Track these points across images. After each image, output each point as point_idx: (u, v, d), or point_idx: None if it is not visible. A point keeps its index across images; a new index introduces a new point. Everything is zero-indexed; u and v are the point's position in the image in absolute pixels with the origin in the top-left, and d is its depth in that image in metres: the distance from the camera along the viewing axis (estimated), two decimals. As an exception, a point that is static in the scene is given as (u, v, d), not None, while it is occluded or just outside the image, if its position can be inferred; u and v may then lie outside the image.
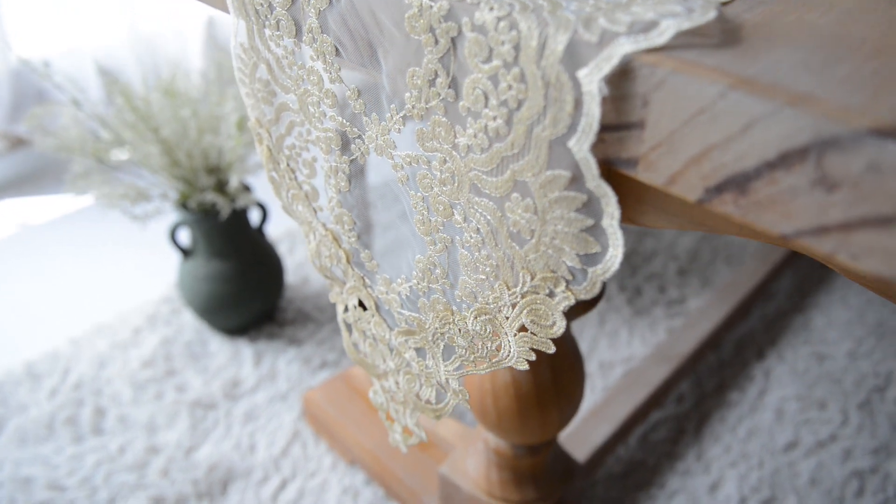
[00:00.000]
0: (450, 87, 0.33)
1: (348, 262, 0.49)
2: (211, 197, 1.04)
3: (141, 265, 1.43)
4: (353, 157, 0.43)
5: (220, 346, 1.20)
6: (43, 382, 1.15)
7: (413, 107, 0.36)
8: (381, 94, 0.38)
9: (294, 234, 1.49)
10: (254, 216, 1.20)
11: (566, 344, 0.64)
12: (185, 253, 1.16)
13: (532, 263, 0.34)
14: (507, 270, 0.35)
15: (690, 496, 1.00)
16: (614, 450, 1.03)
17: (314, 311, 1.27)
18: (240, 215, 1.12)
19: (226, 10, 0.47)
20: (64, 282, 1.40)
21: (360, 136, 0.42)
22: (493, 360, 0.40)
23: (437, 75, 0.33)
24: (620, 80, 0.27)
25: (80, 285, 1.39)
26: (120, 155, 1.03)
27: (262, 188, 1.48)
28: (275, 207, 1.46)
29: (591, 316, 1.30)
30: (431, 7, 0.32)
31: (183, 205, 1.09)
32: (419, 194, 0.39)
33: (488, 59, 0.31)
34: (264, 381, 1.14)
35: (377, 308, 0.49)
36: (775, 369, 1.21)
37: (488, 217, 0.35)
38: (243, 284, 1.15)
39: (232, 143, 1.00)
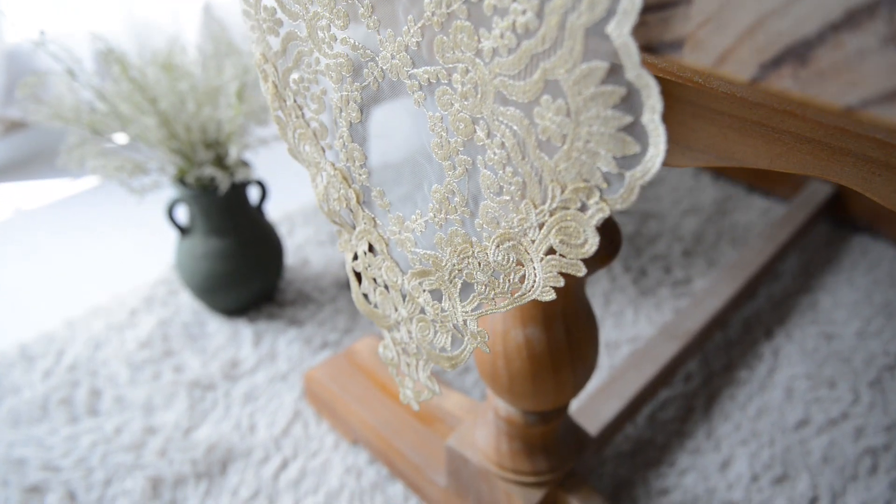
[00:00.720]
0: (475, -16, 0.31)
1: (358, 202, 0.47)
2: (209, 171, 1.02)
3: (137, 247, 1.40)
4: (366, 83, 0.41)
5: (218, 327, 1.18)
6: (37, 364, 1.12)
7: (433, 14, 0.33)
8: (397, 7, 0.36)
9: (293, 216, 1.46)
10: (253, 194, 1.18)
11: (580, 303, 0.62)
12: (183, 231, 1.13)
13: (563, 174, 0.32)
14: (534, 187, 0.33)
15: (701, 474, 0.97)
16: (623, 427, 1.01)
17: (315, 293, 1.25)
18: (238, 192, 1.09)
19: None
20: (59, 265, 1.37)
21: (372, 59, 0.39)
22: (516, 295, 0.38)
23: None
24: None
25: (76, 268, 1.36)
26: (116, 136, 1.01)
27: (261, 165, 1.45)
28: (274, 186, 1.44)
29: (597, 296, 1.27)
30: None
31: (181, 180, 1.06)
32: (437, 114, 0.37)
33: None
34: (264, 362, 1.12)
35: (388, 251, 0.46)
36: (784, 348, 1.19)
37: (515, 127, 0.33)
38: (242, 262, 1.13)
39: (231, 113, 0.98)
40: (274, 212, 1.47)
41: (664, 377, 1.05)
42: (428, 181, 0.42)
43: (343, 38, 0.40)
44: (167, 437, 1.00)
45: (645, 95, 0.28)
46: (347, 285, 1.26)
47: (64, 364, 1.12)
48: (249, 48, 1.09)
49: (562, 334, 0.61)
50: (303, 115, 0.47)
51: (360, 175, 0.45)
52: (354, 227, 0.48)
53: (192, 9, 1.76)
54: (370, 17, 0.38)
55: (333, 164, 0.47)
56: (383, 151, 0.43)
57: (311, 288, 1.26)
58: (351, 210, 0.47)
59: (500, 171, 0.34)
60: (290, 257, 1.33)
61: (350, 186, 0.46)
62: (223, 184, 1.02)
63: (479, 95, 0.34)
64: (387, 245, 0.46)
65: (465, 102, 0.35)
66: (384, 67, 0.39)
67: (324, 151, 0.47)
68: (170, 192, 1.31)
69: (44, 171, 1.64)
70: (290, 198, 1.50)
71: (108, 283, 1.30)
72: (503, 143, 0.34)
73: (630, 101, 0.29)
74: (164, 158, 1.03)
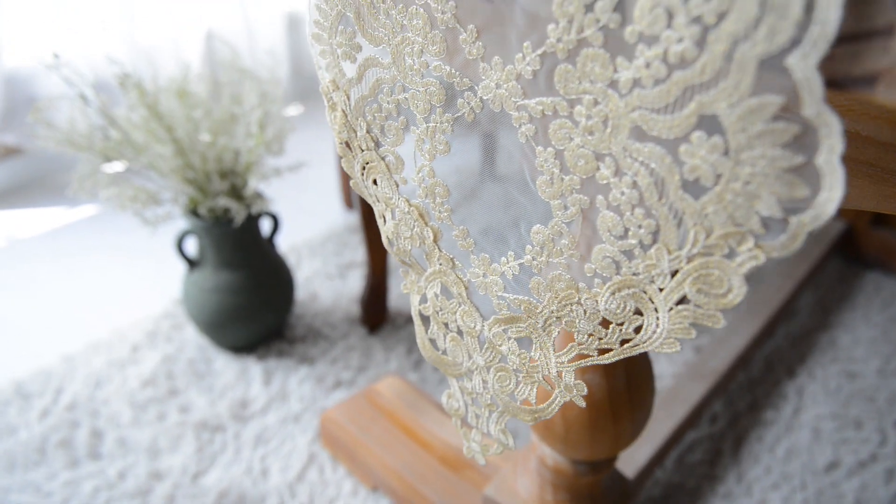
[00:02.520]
0: (615, 11, 0.28)
1: (435, 241, 0.43)
2: (224, 202, 0.98)
3: (138, 278, 1.35)
4: (460, 113, 0.37)
5: (226, 365, 1.13)
6: (33, 402, 1.06)
7: (558, 40, 0.31)
8: (509, 33, 0.33)
9: (299, 248, 1.42)
10: (264, 226, 1.14)
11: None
12: (192, 263, 1.09)
13: (711, 217, 0.29)
14: (670, 230, 0.30)
15: (736, 520, 0.94)
16: (653, 472, 0.97)
17: (325, 328, 1.21)
18: (251, 224, 1.05)
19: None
20: (56, 296, 1.31)
21: (471, 88, 0.36)
22: (627, 346, 0.35)
23: (598, -3, 0.28)
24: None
25: (74, 300, 1.30)
26: (122, 164, 0.97)
27: (274, 196, 1.42)
28: (286, 217, 1.40)
29: (616, 333, 1.24)
30: None
31: (192, 211, 1.02)
32: (549, 150, 0.34)
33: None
34: (275, 402, 1.07)
35: (467, 294, 0.43)
36: (807, 387, 1.16)
37: (653, 165, 0.30)
38: (253, 297, 1.08)
39: (251, 143, 0.94)
40: (280, 244, 1.43)
41: (693, 418, 1.02)
42: (527, 220, 0.38)
43: (437, 65, 0.37)
44: (174, 482, 0.95)
45: (823, 134, 0.25)
46: (358, 321, 1.22)
47: (62, 403, 1.06)
48: (262, 73, 1.06)
49: (622, 381, 0.58)
50: (376, 146, 0.44)
51: (440, 212, 0.42)
52: (425, 269, 0.45)
53: (194, 36, 1.73)
54: (473, 42, 0.35)
55: (408, 201, 0.44)
56: (469, 187, 0.40)
57: (321, 323, 1.22)
58: (425, 250, 0.44)
59: (628, 213, 0.31)
60: (299, 291, 1.29)
61: (427, 224, 0.43)
62: (239, 215, 0.99)
63: (608, 130, 0.31)
64: (466, 288, 0.43)
65: (589, 137, 0.32)
66: (485, 97, 0.36)
67: (397, 186, 0.44)
68: (177, 223, 1.27)
69: (41, 198, 1.58)
70: (297, 229, 1.47)
71: (109, 316, 1.25)
72: (635, 183, 0.31)
73: (802, 140, 0.26)
74: (176, 188, 0.99)
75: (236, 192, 1.02)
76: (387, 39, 0.39)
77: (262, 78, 1.04)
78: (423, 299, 0.46)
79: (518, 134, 0.35)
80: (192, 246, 1.30)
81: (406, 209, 0.44)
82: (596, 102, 0.31)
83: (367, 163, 0.44)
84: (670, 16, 0.27)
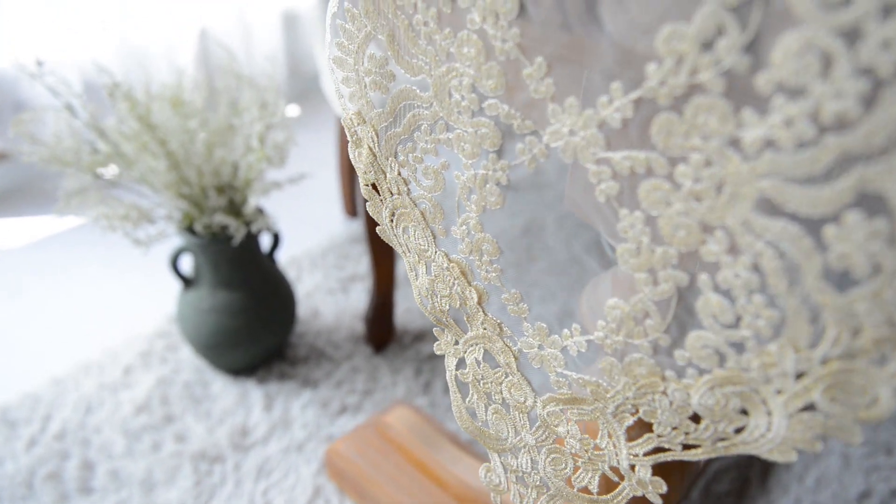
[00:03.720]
0: (746, 52, 0.22)
1: (480, 303, 0.37)
2: (222, 219, 0.91)
3: (131, 293, 1.28)
4: (518, 161, 0.31)
5: (224, 388, 1.06)
6: (20, 430, 0.99)
7: (661, 83, 0.24)
8: (591, 69, 0.27)
9: (300, 260, 1.36)
10: (264, 241, 1.07)
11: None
12: (187, 282, 1.02)
13: (860, 316, 0.22)
14: (800, 325, 0.24)
15: (770, 559, 0.88)
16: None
17: (329, 348, 1.14)
18: (250, 241, 0.99)
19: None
20: (44, 312, 1.24)
21: (534, 133, 0.30)
22: (724, 443, 0.29)
23: (721, 32, 0.22)
24: None
25: (63, 316, 1.23)
26: (111, 170, 0.90)
27: (274, 210, 1.35)
28: (284, 226, 1.33)
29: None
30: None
31: (188, 228, 0.96)
32: (638, 214, 0.28)
33: (848, 1, 0.19)
34: (277, 429, 1.00)
35: (517, 365, 0.37)
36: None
37: (785, 247, 0.24)
38: (252, 317, 1.02)
39: (251, 158, 0.87)
40: (279, 257, 1.36)
41: (721, 448, 0.96)
42: (602, 290, 0.32)
43: (492, 103, 0.31)
44: (171, 519, 0.88)
45: None
46: (363, 339, 1.16)
47: (51, 431, 0.99)
48: (260, 78, 0.99)
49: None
50: (409, 191, 0.37)
51: (487, 272, 0.36)
52: (465, 331, 0.38)
53: (188, 35, 1.66)
54: (542, 79, 0.28)
55: (448, 255, 0.37)
56: (525, 246, 0.33)
57: (324, 343, 1.15)
58: (467, 312, 0.38)
59: (744, 299, 0.25)
60: (300, 307, 1.22)
61: (470, 284, 0.37)
62: (238, 233, 0.92)
63: (723, 198, 0.24)
64: (516, 359, 0.37)
65: (695, 204, 0.25)
66: (553, 144, 0.29)
67: (434, 238, 0.37)
68: (174, 239, 1.20)
69: (28, 206, 1.51)
70: (297, 240, 1.40)
71: (100, 334, 1.18)
72: (756, 265, 0.25)
73: None
74: (171, 204, 0.92)
75: (235, 208, 0.95)
76: (427, 69, 0.32)
77: (260, 85, 0.98)
78: (461, 363, 0.40)
79: (596, 192, 0.29)
80: (187, 263, 1.24)
81: (445, 265, 0.37)
82: (708, 163, 0.24)
83: (398, 208, 0.38)
84: (827, 63, 0.20)
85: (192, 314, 1.02)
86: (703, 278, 0.27)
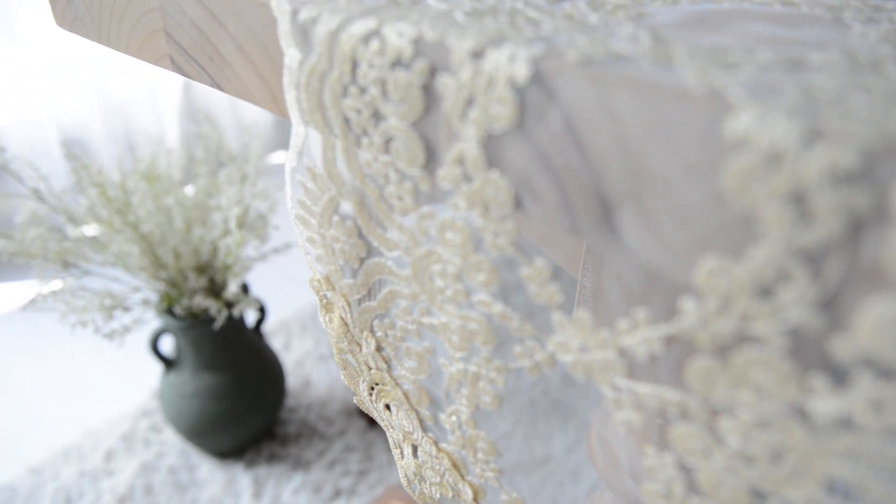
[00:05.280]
0: (822, 309, 0.16)
1: (476, 500, 0.31)
2: (202, 302, 0.86)
3: (112, 366, 1.22)
4: (517, 365, 0.26)
5: (210, 473, 1.00)
6: (-8, 530, 0.93)
7: (703, 324, 0.19)
8: (606, 283, 0.22)
9: (289, 324, 1.30)
10: (249, 315, 1.02)
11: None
12: (168, 364, 0.96)
13: None
14: None
15: None
16: None
17: (320, 424, 1.08)
18: (235, 319, 0.93)
19: (280, 112, 0.30)
20: (22, 392, 1.18)
21: (536, 338, 0.24)
22: None
23: (785, 279, 0.17)
24: None
25: (41, 395, 1.17)
26: (86, 231, 0.84)
27: (258, 281, 1.29)
28: (273, 305, 1.27)
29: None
30: (807, 158, 0.15)
31: (167, 309, 0.90)
32: (669, 457, 0.22)
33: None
34: (267, 519, 0.94)
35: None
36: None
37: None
38: (239, 402, 0.96)
39: (229, 242, 0.82)
40: (268, 320, 1.30)
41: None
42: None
43: (483, 300, 0.25)
44: None
45: None
46: (357, 413, 1.10)
47: (26, 529, 0.93)
48: (244, 148, 0.94)
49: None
50: (388, 367, 0.32)
51: (483, 470, 0.30)
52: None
53: (171, 89, 1.61)
54: (546, 284, 0.23)
55: (436, 443, 0.32)
56: (529, 453, 0.28)
57: (315, 417, 1.09)
58: (461, 505, 0.32)
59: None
60: (290, 377, 1.16)
61: (464, 479, 0.31)
62: (220, 317, 0.86)
63: (783, 468, 0.19)
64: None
65: (749, 469, 0.20)
66: (560, 357, 0.24)
67: (421, 422, 0.32)
68: (154, 320, 1.14)
69: (4, 272, 1.45)
70: (284, 302, 1.34)
71: (80, 414, 1.12)
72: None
73: None
74: (147, 285, 0.87)
75: (215, 289, 0.90)
76: (404, 247, 0.27)
77: (239, 153, 0.92)
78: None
79: (614, 420, 0.23)
80: (168, 343, 1.18)
81: (434, 453, 0.32)
82: (763, 425, 0.19)
83: (377, 383, 0.33)
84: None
85: (175, 398, 0.96)
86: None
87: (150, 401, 1.12)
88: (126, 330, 0.83)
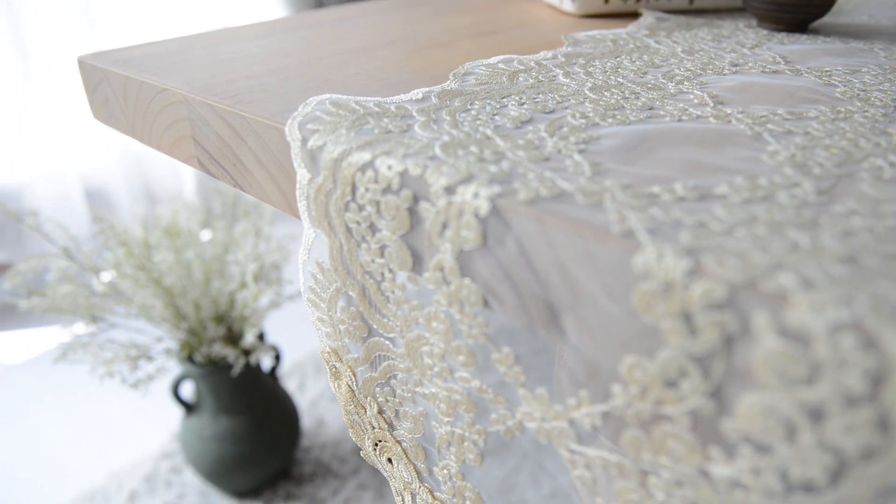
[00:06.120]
0: (710, 397, 0.21)
1: (468, 542, 0.36)
2: (221, 350, 0.91)
3: (134, 409, 1.27)
4: (494, 429, 0.31)
5: (229, 513, 1.05)
6: (23, 571, 0.98)
7: (628, 405, 0.24)
8: (560, 373, 0.27)
9: (303, 365, 1.35)
10: (265, 360, 1.07)
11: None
12: (189, 408, 1.01)
13: None
14: None
15: None
16: None
17: (334, 463, 1.12)
18: (251, 365, 0.98)
19: (293, 214, 0.36)
20: (48, 434, 1.24)
21: (508, 408, 0.29)
22: None
23: (684, 375, 0.22)
24: None
25: (67, 437, 1.23)
26: (109, 279, 0.90)
27: (272, 324, 1.34)
28: (287, 349, 1.33)
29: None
30: (691, 287, 0.20)
31: (188, 357, 0.95)
32: (615, 508, 0.27)
33: (808, 382, 0.19)
34: (284, 557, 0.98)
35: None
36: None
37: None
38: (256, 444, 1.01)
39: (246, 295, 0.87)
40: (283, 362, 1.35)
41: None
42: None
43: (463, 376, 0.30)
44: None
45: None
46: (370, 451, 1.14)
47: (54, 570, 0.98)
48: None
49: None
50: (390, 428, 0.37)
51: (472, 517, 0.35)
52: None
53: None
54: (511, 367, 0.28)
55: (432, 492, 0.37)
56: (512, 495, 0.33)
57: (329, 457, 1.13)
58: (455, 547, 0.37)
59: None
60: (305, 418, 1.21)
61: (457, 524, 0.36)
62: (237, 364, 0.91)
63: (699, 520, 0.24)
64: None
65: (673, 518, 0.25)
66: (527, 425, 0.29)
67: (419, 475, 0.37)
68: (175, 368, 1.20)
69: (31, 319, 1.51)
70: (298, 344, 1.39)
71: (103, 457, 1.17)
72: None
73: None
74: (169, 335, 0.92)
75: (233, 337, 0.95)
76: (399, 331, 0.32)
77: (258, 210, 0.98)
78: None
79: (571, 476, 0.28)
80: (188, 389, 1.23)
81: (430, 501, 0.37)
82: (679, 484, 0.24)
83: (380, 441, 0.38)
84: (791, 431, 0.20)
85: (196, 441, 1.01)
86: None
87: (171, 443, 1.17)
88: (150, 378, 0.88)
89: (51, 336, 1.46)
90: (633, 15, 0.61)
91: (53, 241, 0.84)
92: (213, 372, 0.95)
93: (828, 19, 0.61)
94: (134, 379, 0.86)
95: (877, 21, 0.61)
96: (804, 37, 0.53)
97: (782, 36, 0.53)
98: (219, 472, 1.01)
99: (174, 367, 1.00)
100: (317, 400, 1.26)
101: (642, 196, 0.24)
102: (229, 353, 0.91)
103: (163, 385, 1.28)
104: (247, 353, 0.94)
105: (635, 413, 0.24)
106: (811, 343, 0.19)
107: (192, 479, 1.10)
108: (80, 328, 0.83)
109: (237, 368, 0.91)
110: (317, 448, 1.16)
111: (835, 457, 0.20)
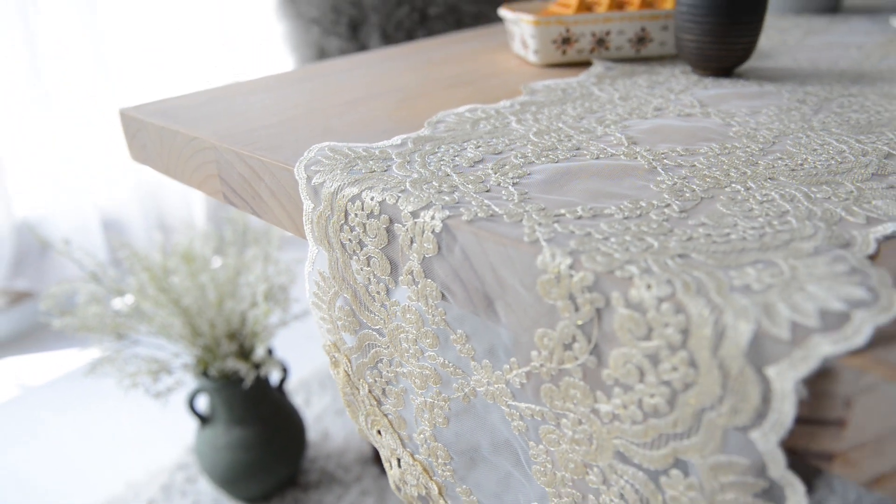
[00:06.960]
0: (591, 354, 0.31)
1: (441, 494, 0.45)
2: (233, 364, 1.00)
3: (150, 424, 1.37)
4: (455, 396, 0.40)
5: (241, 518, 1.13)
6: (52, 572, 1.06)
7: (541, 366, 0.33)
8: (496, 344, 0.36)
9: (309, 382, 1.44)
10: (273, 375, 1.16)
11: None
12: (204, 420, 1.10)
13: (694, 543, 0.31)
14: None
15: None
16: None
17: (338, 471, 1.21)
18: (261, 379, 1.08)
19: (300, 235, 0.46)
20: (69, 448, 1.33)
21: (465, 377, 0.39)
22: None
23: (574, 340, 0.31)
24: (817, 378, 0.25)
25: (87, 451, 1.32)
26: (130, 300, 1.00)
27: (281, 344, 1.43)
28: (294, 365, 1.42)
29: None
30: (572, 276, 0.30)
31: (203, 372, 1.05)
32: (541, 447, 0.36)
33: (646, 338, 0.28)
34: (292, 556, 1.07)
35: (475, 543, 0.45)
36: (827, 502, 1.16)
37: (637, 486, 0.32)
38: (265, 452, 1.09)
39: (257, 313, 0.97)
40: (289, 379, 1.44)
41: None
42: (525, 495, 0.41)
43: (431, 354, 0.40)
44: None
45: (789, 492, 0.27)
46: (371, 461, 1.23)
47: (81, 571, 1.06)
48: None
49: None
50: (378, 405, 0.46)
51: (443, 471, 0.44)
52: (433, 512, 0.47)
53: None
54: (464, 344, 0.37)
55: (412, 454, 0.46)
56: (469, 456, 0.42)
57: (334, 466, 1.22)
58: (431, 500, 0.46)
59: (618, 520, 0.34)
60: (311, 431, 1.30)
61: (432, 479, 0.45)
62: (248, 377, 1.01)
63: (593, 446, 0.33)
64: (473, 539, 0.45)
65: (577, 447, 0.34)
66: (478, 389, 0.38)
67: (402, 441, 0.46)
68: (191, 382, 1.29)
69: (52, 341, 1.61)
70: (304, 362, 1.48)
71: (123, 466, 1.25)
72: (622, 495, 0.33)
73: (772, 492, 0.28)
74: (186, 351, 1.02)
75: (244, 352, 1.04)
76: (382, 323, 0.42)
77: (266, 236, 1.08)
78: (432, 538, 0.48)
79: (511, 427, 0.38)
80: (203, 402, 1.32)
81: (410, 462, 0.46)
82: (580, 422, 0.33)
83: (370, 416, 0.47)
84: (641, 373, 0.29)
85: (210, 451, 1.10)
86: (591, 498, 0.35)
87: (187, 454, 1.26)
88: (170, 390, 0.97)
89: (72, 357, 1.55)
90: (588, 63, 0.72)
91: (83, 266, 0.94)
92: (226, 385, 1.04)
93: (755, 63, 0.71)
94: (155, 390, 0.96)
95: (797, 64, 0.71)
96: (728, 81, 0.63)
97: (709, 81, 0.63)
98: (231, 479, 1.10)
99: (190, 382, 1.09)
100: (322, 414, 1.35)
101: (550, 216, 0.34)
102: (241, 366, 1.01)
103: (178, 402, 1.37)
104: (257, 366, 1.03)
105: (547, 371, 0.33)
106: (646, 311, 0.28)
107: (205, 489, 1.19)
108: (108, 345, 0.93)
109: (249, 380, 1.01)
110: (322, 458, 1.24)
111: (668, 388, 0.29)
